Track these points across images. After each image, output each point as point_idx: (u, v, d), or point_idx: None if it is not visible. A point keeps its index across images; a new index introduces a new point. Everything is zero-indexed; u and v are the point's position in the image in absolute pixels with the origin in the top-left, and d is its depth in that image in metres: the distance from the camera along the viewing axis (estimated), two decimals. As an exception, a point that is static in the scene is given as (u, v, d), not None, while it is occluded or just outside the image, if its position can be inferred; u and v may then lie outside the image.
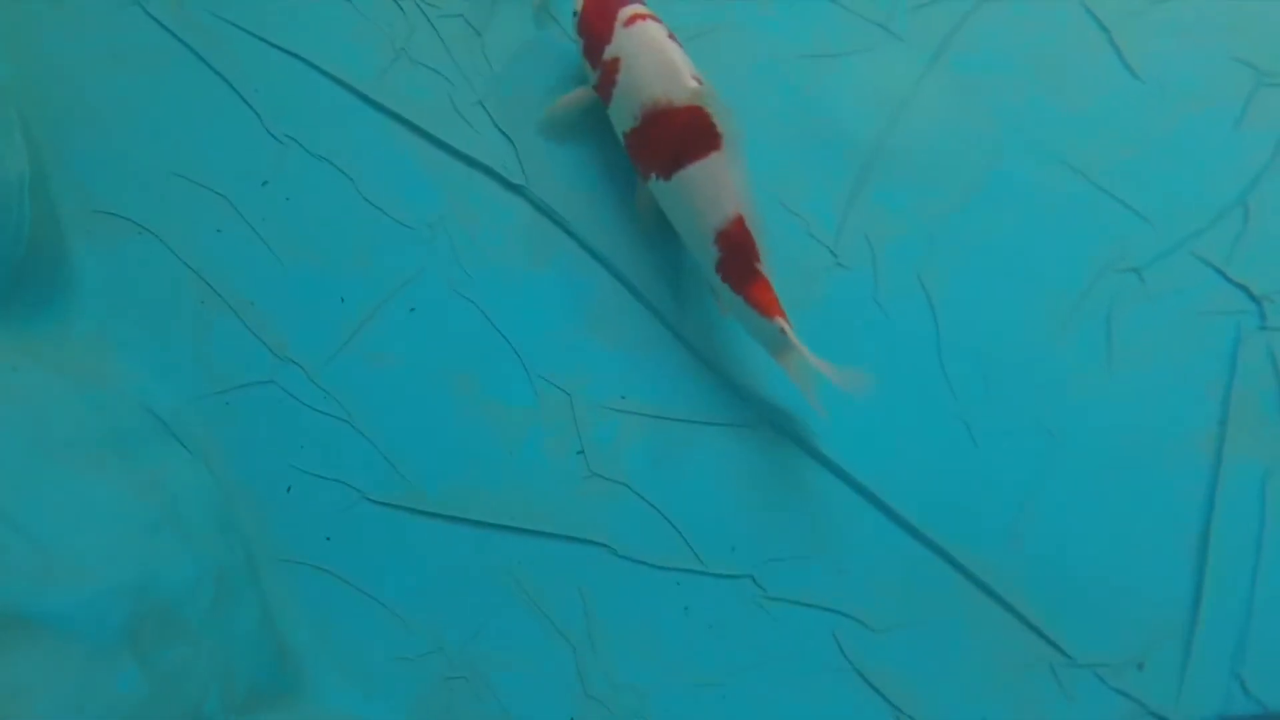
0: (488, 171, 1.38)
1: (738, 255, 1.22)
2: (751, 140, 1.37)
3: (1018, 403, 1.30)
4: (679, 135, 1.23)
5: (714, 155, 1.21)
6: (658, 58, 1.26)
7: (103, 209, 1.33)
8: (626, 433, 1.31)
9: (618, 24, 1.29)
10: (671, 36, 1.30)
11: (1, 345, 1.12)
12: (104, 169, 1.35)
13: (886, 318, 1.34)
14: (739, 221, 1.21)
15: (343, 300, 1.32)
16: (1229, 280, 1.30)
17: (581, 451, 1.30)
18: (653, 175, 1.28)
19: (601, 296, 1.36)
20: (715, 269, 1.24)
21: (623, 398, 1.33)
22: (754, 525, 1.29)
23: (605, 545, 1.28)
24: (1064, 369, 1.32)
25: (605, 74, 1.30)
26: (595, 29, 1.31)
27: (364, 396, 1.30)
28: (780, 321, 1.20)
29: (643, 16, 1.30)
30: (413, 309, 1.33)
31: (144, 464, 1.08)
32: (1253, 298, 1.30)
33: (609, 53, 1.29)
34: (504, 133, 1.39)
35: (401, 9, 1.45)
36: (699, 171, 1.22)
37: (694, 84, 1.24)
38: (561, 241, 1.37)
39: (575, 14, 1.35)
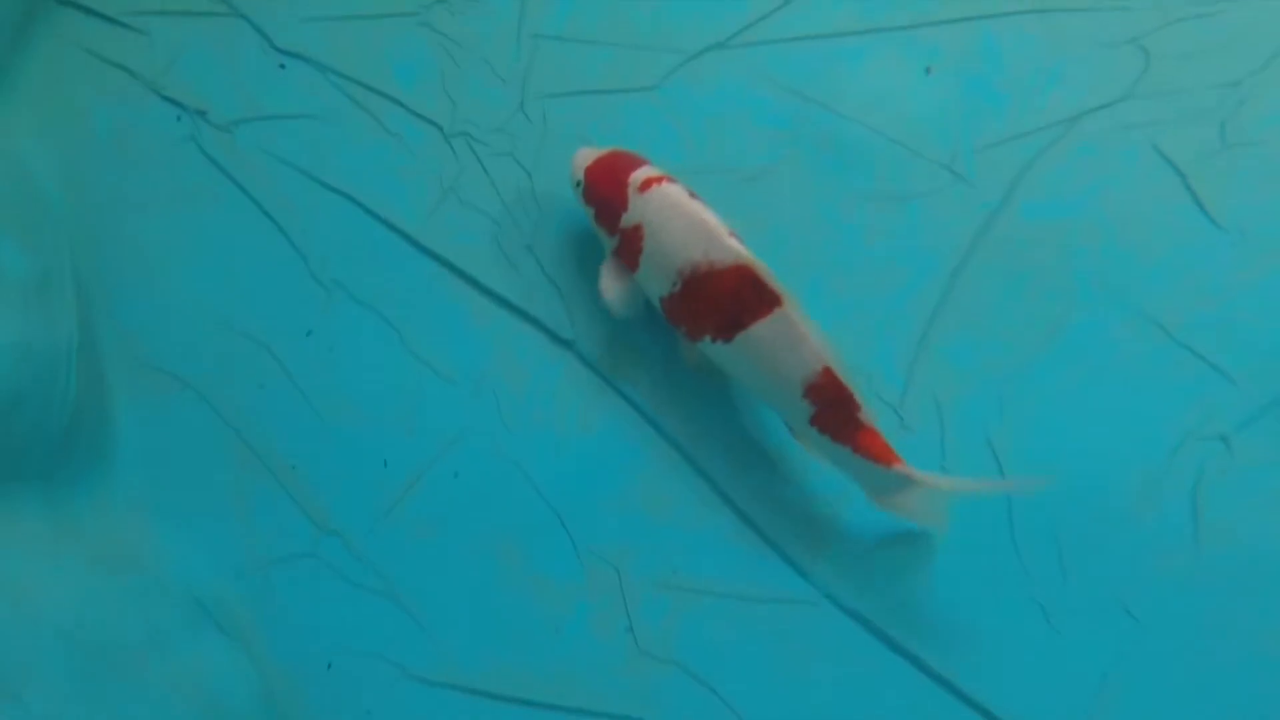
0: (536, 323, 1.34)
1: (836, 408, 1.17)
2: (810, 290, 1.34)
3: (1096, 582, 1.22)
4: (733, 297, 1.18)
5: (779, 311, 1.17)
6: (688, 220, 1.21)
7: (147, 362, 1.31)
8: (678, 609, 1.24)
9: (631, 190, 1.24)
10: (693, 195, 1.26)
11: (43, 526, 1.10)
12: (150, 316, 1.33)
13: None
14: (828, 373, 1.16)
15: (386, 464, 1.28)
16: (1327, 452, 1.23)
17: (630, 629, 1.24)
18: (706, 338, 1.23)
19: (652, 462, 1.31)
20: (810, 423, 1.19)
21: (674, 572, 1.26)
22: (816, 708, 1.22)
23: (655, 727, 1.22)
24: (1146, 545, 1.23)
25: (627, 242, 1.25)
26: (606, 198, 1.26)
27: (406, 568, 1.26)
28: (900, 468, 1.15)
29: (657, 179, 1.25)
30: (456, 474, 1.29)
31: (184, 659, 1.05)
32: (1354, 472, 1.22)
33: (627, 220, 1.24)
34: (553, 281, 1.35)
35: (451, 147, 1.42)
36: (767, 330, 1.17)
37: (735, 243, 1.20)
38: (611, 401, 1.32)
39: (578, 184, 1.29)
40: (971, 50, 1.40)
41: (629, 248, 1.25)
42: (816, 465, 1.24)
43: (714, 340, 1.22)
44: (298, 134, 1.43)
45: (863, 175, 1.38)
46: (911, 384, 1.31)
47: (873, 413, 1.18)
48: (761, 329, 1.17)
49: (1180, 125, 1.35)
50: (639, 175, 1.26)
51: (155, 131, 1.43)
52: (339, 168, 1.41)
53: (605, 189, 1.26)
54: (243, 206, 1.38)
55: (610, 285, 1.28)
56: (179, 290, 1.34)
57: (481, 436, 1.30)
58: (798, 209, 1.38)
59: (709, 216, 1.22)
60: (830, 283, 1.34)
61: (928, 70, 1.40)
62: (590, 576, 1.27)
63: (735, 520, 1.28)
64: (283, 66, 1.47)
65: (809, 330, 1.17)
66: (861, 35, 1.41)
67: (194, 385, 1.29)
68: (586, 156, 1.30)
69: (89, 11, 1.48)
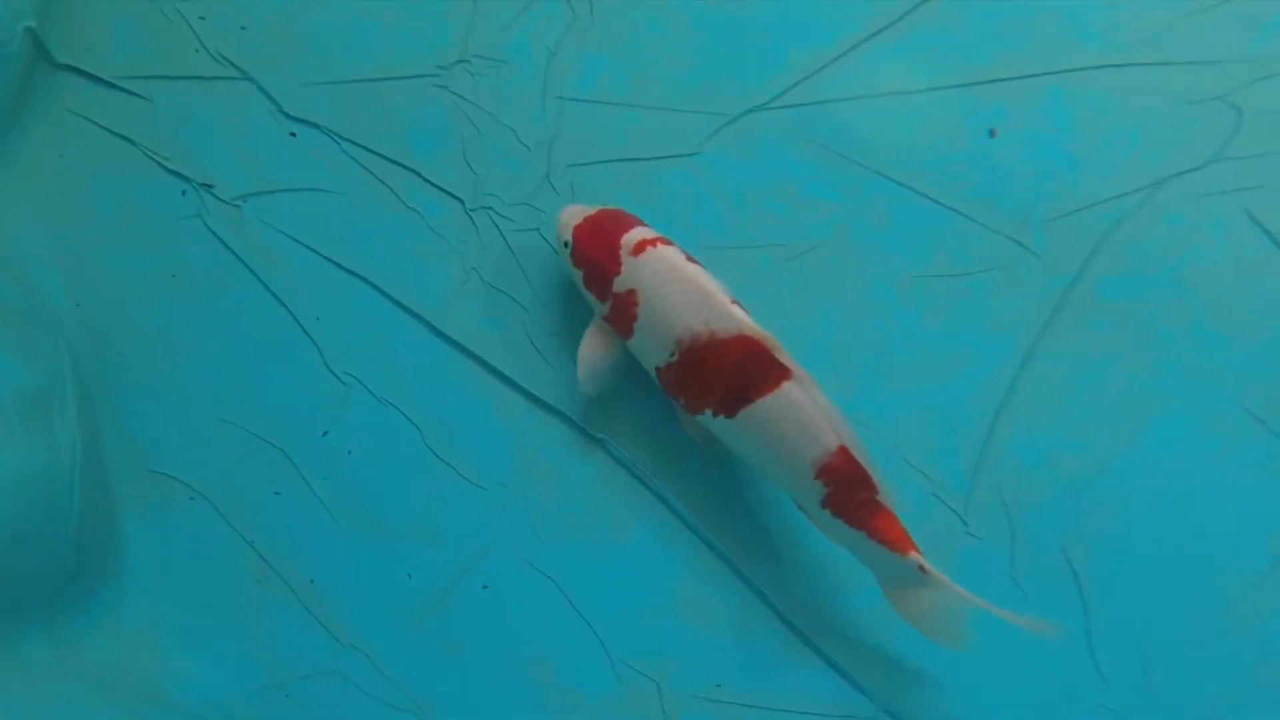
0: (566, 419, 1.25)
1: (851, 489, 1.08)
2: (866, 379, 1.23)
3: (1186, 706, 1.12)
4: (736, 369, 1.09)
5: (787, 385, 1.08)
6: (686, 286, 1.13)
7: (154, 469, 1.22)
8: (723, 730, 1.17)
9: (624, 253, 1.16)
10: (691, 259, 1.17)
11: (47, 655, 1.03)
12: (156, 418, 1.24)
13: (1026, 597, 1.16)
14: (843, 453, 1.07)
15: (410, 577, 1.20)
16: None
17: (673, 751, 1.16)
18: (707, 411, 1.14)
19: (693, 567, 1.21)
20: (823, 505, 1.09)
21: (717, 686, 1.17)
22: (872, 839, 1.13)
23: None
24: (1241, 664, 1.13)
25: (620, 308, 1.17)
26: (596, 261, 1.18)
27: (433, 685, 1.17)
28: (916, 557, 1.06)
29: (651, 241, 1.17)
30: (486, 586, 1.20)
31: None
32: None
33: (620, 285, 1.16)
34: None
35: (473, 223, 1.32)
36: (775, 405, 1.08)
37: (738, 311, 1.11)
38: (647, 503, 1.22)
39: (566, 244, 1.20)
40: (1039, 110, 1.28)
41: (622, 314, 1.17)
42: (868, 571, 1.14)
43: (715, 415, 1.13)
44: (309, 209, 1.33)
45: (920, 249, 1.26)
46: (977, 485, 1.20)
47: (892, 497, 1.08)
48: (768, 404, 1.08)
49: (1277, 190, 1.22)
50: (633, 237, 1.17)
51: (159, 208, 1.33)
52: (354, 246, 1.31)
53: (596, 251, 1.18)
54: (253, 291, 1.29)
55: (590, 354, 1.20)
56: (187, 387, 1.25)
57: (511, 545, 1.21)
58: (849, 287, 1.27)
59: (709, 282, 1.13)
60: (885, 370, 1.24)
61: (991, 133, 1.28)
62: (628, 692, 1.18)
63: (783, 629, 1.19)
64: (293, 135, 1.37)
65: (822, 406, 1.07)
66: (917, 95, 1.29)
67: (205, 494, 1.21)
68: (575, 215, 1.21)
69: (88, 76, 1.39)
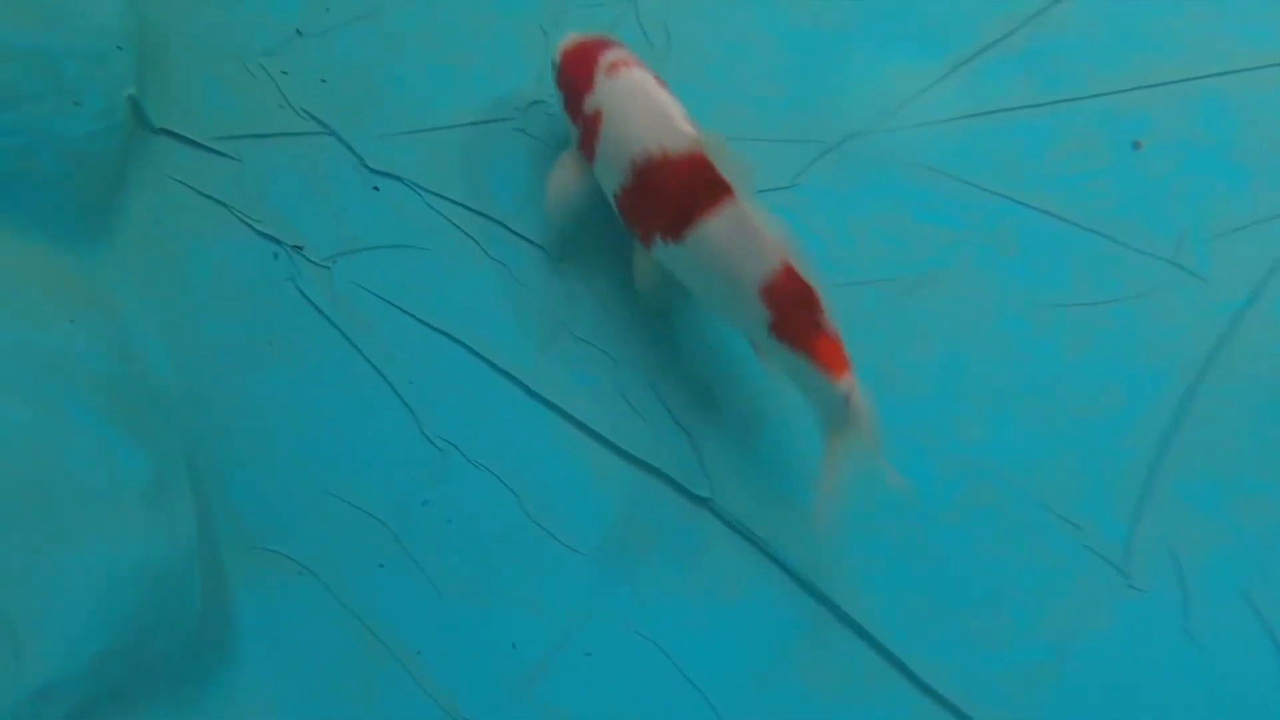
0: (666, 479, 1.19)
1: (795, 309, 1.02)
2: (999, 422, 1.11)
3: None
4: (683, 189, 1.05)
5: (730, 204, 1.02)
6: (645, 104, 1.10)
7: (263, 546, 1.23)
8: (849, 806, 1.09)
9: (598, 72, 1.14)
10: (661, 83, 1.13)
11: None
12: (261, 491, 1.25)
13: (1204, 655, 1.03)
14: (788, 271, 1.00)
15: (514, 646, 1.17)
16: None
17: (796, 830, 1.09)
18: (656, 239, 1.09)
19: (811, 630, 1.13)
20: (770, 331, 1.03)
21: (842, 757, 1.10)
22: None
23: None
24: None
25: (587, 128, 1.14)
26: (575, 80, 1.17)
27: (542, 758, 1.16)
28: (847, 381, 0.99)
29: (625, 63, 1.14)
30: (589, 653, 1.16)
31: None
32: None
33: (590, 105, 1.14)
34: (682, 427, 1.19)
35: (560, 275, 1.26)
36: (720, 226, 1.03)
37: (691, 128, 1.07)
38: (758, 564, 1.15)
39: (554, 66, 1.21)
40: (1193, 117, 1.12)
41: (589, 136, 1.15)
42: (1016, 626, 1.03)
43: (665, 241, 1.09)
44: (396, 266, 1.31)
45: (1055, 277, 1.13)
46: (1138, 532, 1.07)
47: (838, 323, 1.01)
48: (713, 224, 1.03)
49: None
50: (609, 57, 1.16)
51: (253, 273, 1.34)
52: (441, 303, 1.28)
53: (575, 71, 1.18)
54: (347, 355, 1.28)
55: (559, 181, 1.20)
56: (289, 460, 1.25)
57: (613, 611, 1.16)
58: (973, 321, 1.14)
59: (668, 101, 1.11)
60: (1021, 411, 1.11)
61: (1135, 145, 1.12)
62: (743, 762, 1.12)
63: (917, 693, 1.09)
64: (376, 189, 1.35)
65: (765, 223, 1.02)
66: (1043, 108, 1.15)
67: (312, 569, 1.21)
68: (570, 41, 1.22)
69: (182, 139, 1.42)
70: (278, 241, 1.35)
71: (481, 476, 1.22)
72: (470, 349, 1.26)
